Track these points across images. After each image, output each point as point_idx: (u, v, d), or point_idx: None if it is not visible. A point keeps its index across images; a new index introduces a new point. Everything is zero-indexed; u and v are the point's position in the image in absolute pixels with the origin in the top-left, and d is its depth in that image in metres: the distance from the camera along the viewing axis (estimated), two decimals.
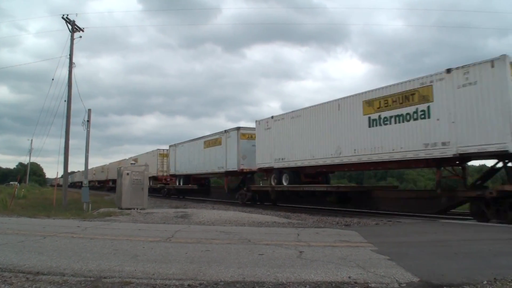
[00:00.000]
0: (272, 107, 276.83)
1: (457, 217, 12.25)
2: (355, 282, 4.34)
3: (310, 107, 17.97)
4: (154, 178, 35.09)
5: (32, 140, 55.97)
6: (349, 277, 4.52)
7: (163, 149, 35.57)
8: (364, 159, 14.86)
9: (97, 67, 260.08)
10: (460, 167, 12.96)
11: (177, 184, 32.04)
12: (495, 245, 6.95)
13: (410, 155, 13.13)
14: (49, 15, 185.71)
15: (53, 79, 20.89)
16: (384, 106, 14.03)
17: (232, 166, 23.34)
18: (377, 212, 15.16)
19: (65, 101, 19.44)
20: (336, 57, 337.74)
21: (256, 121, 21.49)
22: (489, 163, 13.10)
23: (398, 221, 11.93)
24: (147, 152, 38.71)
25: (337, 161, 16.08)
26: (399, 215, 13.91)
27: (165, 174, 34.86)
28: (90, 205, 16.67)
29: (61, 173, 21.50)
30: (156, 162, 35.13)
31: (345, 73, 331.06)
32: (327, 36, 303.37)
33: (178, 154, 31.69)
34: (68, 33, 20.05)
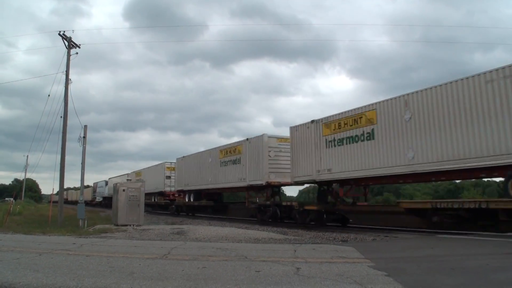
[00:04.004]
0: (264, 122, 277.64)
1: (453, 232, 12.21)
2: None
3: (198, 152, 28.57)
4: None
5: (27, 156, 55.58)
6: None
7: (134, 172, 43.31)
8: (223, 186, 24.21)
9: (88, 83, 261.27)
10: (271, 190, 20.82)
11: None
12: (493, 260, 6.93)
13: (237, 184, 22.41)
14: (38, 32, 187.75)
15: (49, 95, 20.98)
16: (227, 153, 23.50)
17: (160, 188, 33.78)
18: (374, 227, 15.25)
19: (61, 117, 19.40)
20: (324, 73, 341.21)
21: (176, 158, 31.74)
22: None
23: (395, 236, 11.90)
24: (120, 175, 46.17)
25: (212, 186, 25.50)
26: (397, 230, 13.87)
27: None
28: (86, 221, 16.54)
29: (56, 189, 21.35)
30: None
31: (334, 89, 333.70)
32: (314, 52, 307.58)
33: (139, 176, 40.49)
34: (63, 49, 19.97)
